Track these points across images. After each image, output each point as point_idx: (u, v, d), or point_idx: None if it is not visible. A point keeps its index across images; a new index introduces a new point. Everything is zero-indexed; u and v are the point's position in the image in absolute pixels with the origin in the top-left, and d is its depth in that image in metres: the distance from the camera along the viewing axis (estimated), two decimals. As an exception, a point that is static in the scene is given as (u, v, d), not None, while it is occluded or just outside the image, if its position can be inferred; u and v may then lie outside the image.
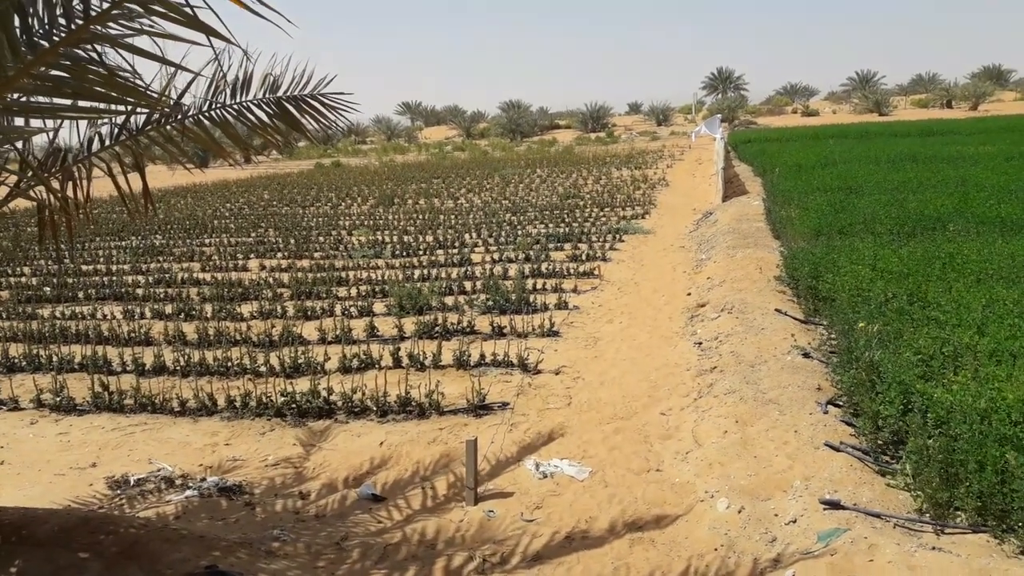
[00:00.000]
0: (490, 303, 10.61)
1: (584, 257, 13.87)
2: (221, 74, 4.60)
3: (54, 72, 3.54)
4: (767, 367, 6.95)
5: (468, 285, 12.00)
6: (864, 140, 27.87)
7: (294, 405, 7.26)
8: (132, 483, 6.10)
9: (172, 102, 4.47)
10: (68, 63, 3.56)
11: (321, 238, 17.64)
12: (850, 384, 5.77)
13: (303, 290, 12.03)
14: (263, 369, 8.35)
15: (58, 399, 7.74)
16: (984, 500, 4.21)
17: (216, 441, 6.92)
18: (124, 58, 3.71)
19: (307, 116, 4.94)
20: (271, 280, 13.08)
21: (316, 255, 15.64)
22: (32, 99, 3.86)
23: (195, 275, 13.99)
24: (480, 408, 7.15)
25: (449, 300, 11.09)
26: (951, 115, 50.13)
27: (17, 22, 3.32)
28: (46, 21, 3.49)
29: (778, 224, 13.31)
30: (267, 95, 4.85)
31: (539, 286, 11.65)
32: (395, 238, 17.00)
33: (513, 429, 6.76)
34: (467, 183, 28.37)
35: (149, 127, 4.62)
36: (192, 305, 11.52)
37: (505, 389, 7.69)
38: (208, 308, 11.38)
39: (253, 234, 18.81)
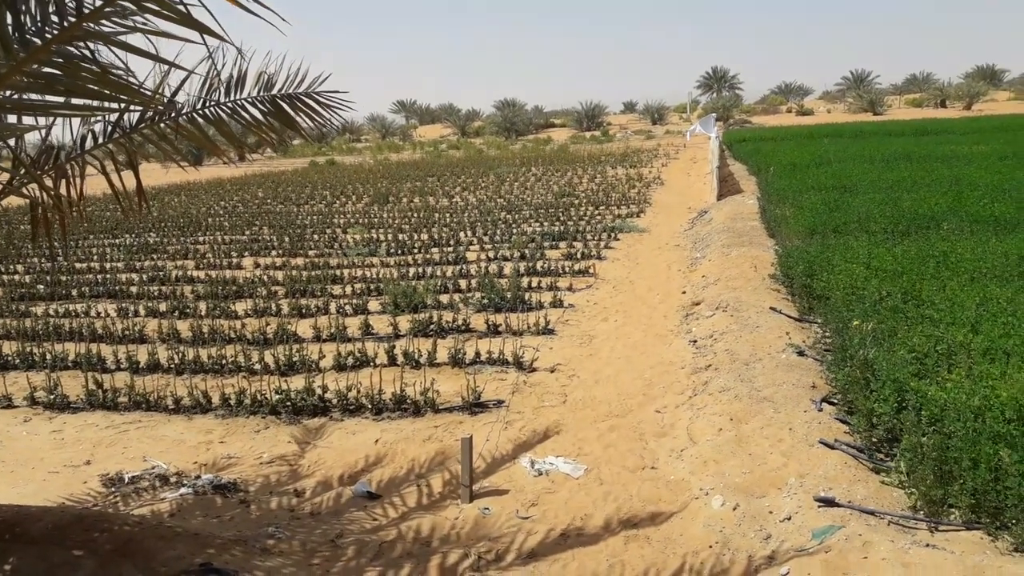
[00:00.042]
0: (485, 301, 10.61)
1: (579, 255, 13.87)
2: (215, 72, 4.59)
3: (47, 69, 3.53)
4: (762, 365, 6.97)
5: (463, 283, 11.99)
6: (858, 139, 27.93)
7: (289, 403, 7.25)
8: (126, 481, 6.08)
9: (166, 100, 4.45)
10: (61, 60, 3.55)
11: (316, 236, 17.61)
12: (844, 382, 5.79)
13: (298, 288, 12.01)
14: (258, 367, 8.34)
15: (52, 397, 7.71)
16: (978, 497, 4.23)
17: (211, 439, 6.91)
18: (117, 56, 3.70)
19: (302, 114, 4.93)
20: (265, 278, 13.05)
21: (311, 253, 15.62)
22: (25, 96, 3.84)
23: (189, 273, 13.95)
24: (475, 406, 7.15)
25: (444, 298, 11.09)
26: (945, 115, 50.25)
27: (9, 19, 3.31)
28: (38, 18, 3.48)
29: (773, 223, 13.33)
30: (262, 93, 4.84)
31: (534, 284, 11.65)
32: (390, 236, 16.99)
33: (508, 427, 6.76)
34: (462, 181, 28.35)
35: (143, 125, 4.61)
36: (186, 303, 11.50)
37: (500, 387, 7.69)
38: (202, 306, 11.36)
39: (247, 232, 18.77)
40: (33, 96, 3.86)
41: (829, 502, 4.64)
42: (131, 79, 3.81)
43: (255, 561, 4.54)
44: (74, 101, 3.82)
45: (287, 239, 17.06)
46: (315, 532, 5.19)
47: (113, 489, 5.98)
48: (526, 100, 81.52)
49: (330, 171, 37.34)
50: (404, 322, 9.75)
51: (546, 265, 12.92)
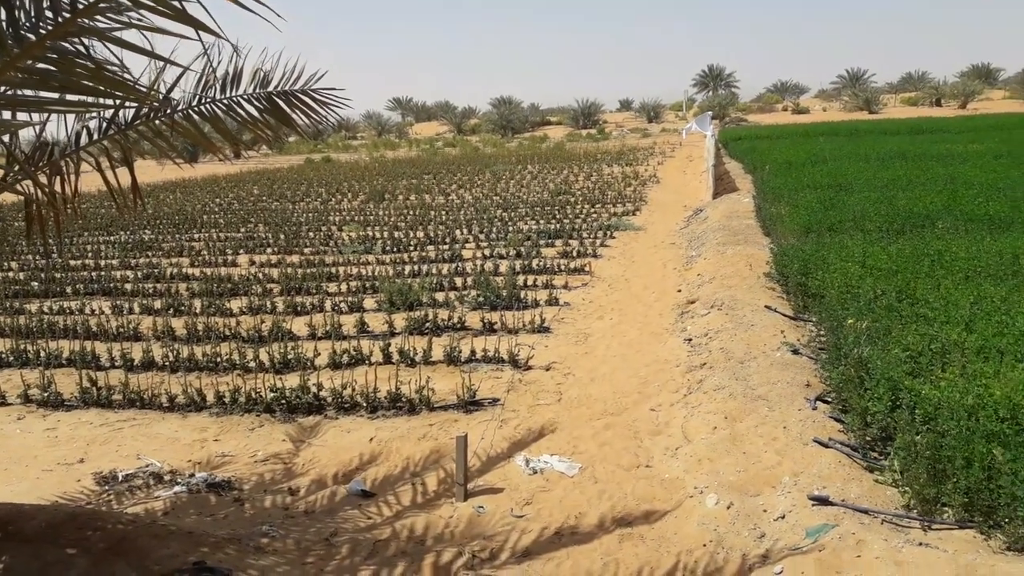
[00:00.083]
0: (481, 299, 10.61)
1: (575, 253, 13.88)
2: (211, 69, 4.57)
3: (41, 65, 3.51)
4: (756, 363, 6.98)
5: (459, 281, 11.99)
6: (854, 138, 27.99)
7: (283, 401, 7.24)
8: (120, 479, 6.07)
9: (161, 97, 4.43)
10: (55, 56, 3.54)
11: (311, 233, 17.58)
12: (839, 380, 5.80)
13: (293, 286, 11.98)
14: (252, 365, 8.32)
15: (46, 394, 7.69)
16: (971, 496, 4.24)
17: (205, 437, 6.89)
18: (112, 52, 3.69)
19: (297, 111, 4.92)
20: (261, 276, 13.03)
21: (306, 251, 15.59)
22: (19, 92, 3.82)
23: (184, 270, 13.92)
24: (470, 404, 7.15)
25: (440, 296, 11.08)
26: (940, 113, 50.40)
27: (3, 15, 3.30)
28: (32, 14, 3.46)
29: (768, 221, 13.36)
30: (257, 90, 4.82)
31: (530, 282, 11.65)
32: (385, 234, 16.97)
33: (503, 425, 6.76)
34: (458, 179, 28.33)
35: (138, 121, 4.59)
36: (181, 300, 11.47)
37: (496, 385, 7.69)
38: (197, 303, 11.33)
39: (243, 229, 18.74)
40: (27, 92, 3.84)
41: (823, 501, 4.65)
42: (126, 75, 3.80)
43: (249, 560, 4.53)
44: (69, 97, 3.80)
45: (283, 236, 17.03)
46: (309, 531, 5.19)
47: (107, 487, 5.96)
48: (522, 98, 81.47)
49: (326, 168, 37.30)
50: (400, 320, 9.75)
51: (542, 263, 12.92)
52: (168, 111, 4.60)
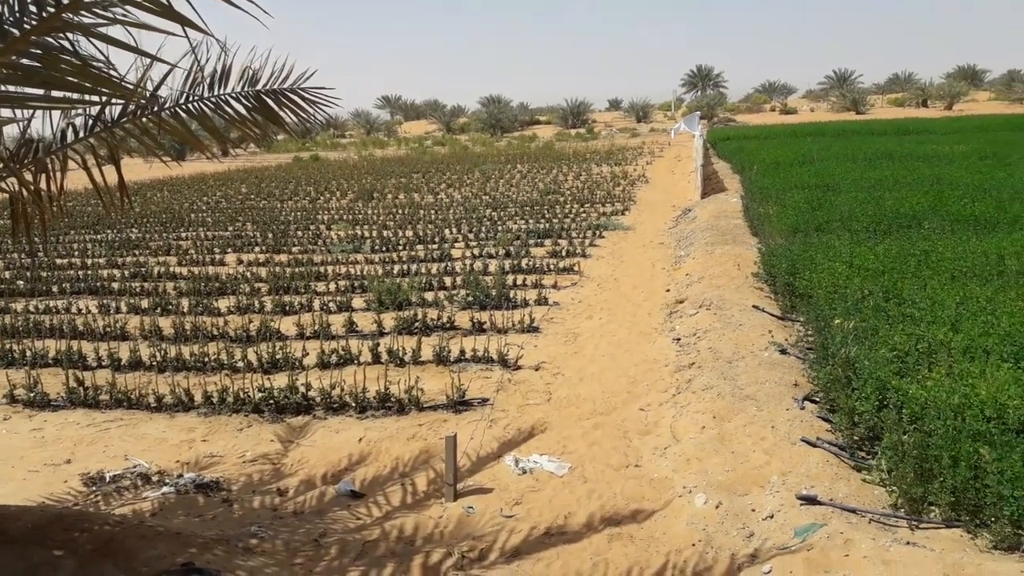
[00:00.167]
0: (470, 299, 10.60)
1: (564, 253, 13.88)
2: (198, 67, 4.54)
3: (25, 61, 3.48)
4: (744, 363, 7.00)
5: (448, 280, 11.97)
6: (841, 138, 28.13)
7: (272, 401, 7.20)
8: (107, 480, 6.02)
9: (148, 94, 4.40)
10: (40, 52, 3.50)
11: (299, 232, 17.52)
12: (826, 380, 5.83)
13: (281, 285, 11.93)
14: (240, 364, 8.28)
15: (32, 394, 7.62)
16: (958, 495, 4.27)
17: (193, 437, 6.85)
18: (98, 48, 3.66)
19: (286, 110, 4.90)
20: (249, 275, 12.97)
21: (294, 250, 15.53)
22: (3, 88, 3.78)
23: (172, 269, 13.84)
24: (460, 404, 7.14)
25: (429, 296, 11.06)
26: (926, 114, 50.73)
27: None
28: (16, 8, 3.42)
29: (756, 221, 13.41)
30: (246, 88, 4.79)
31: (519, 282, 11.64)
32: (374, 233, 16.93)
33: (493, 425, 6.75)
34: (447, 178, 28.29)
35: (124, 119, 4.55)
36: (168, 299, 11.40)
37: (485, 385, 7.68)
38: (185, 303, 11.26)
39: (230, 228, 18.65)
40: (11, 88, 3.80)
41: (811, 500, 4.67)
42: (112, 72, 3.77)
43: (237, 560, 4.51)
44: (54, 94, 3.76)
45: (271, 235, 16.95)
46: (298, 531, 5.17)
47: (94, 488, 5.92)
48: (512, 97, 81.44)
49: (314, 167, 37.17)
50: (388, 319, 9.72)
51: (531, 263, 12.92)
52: (155, 109, 4.57)
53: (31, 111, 4.10)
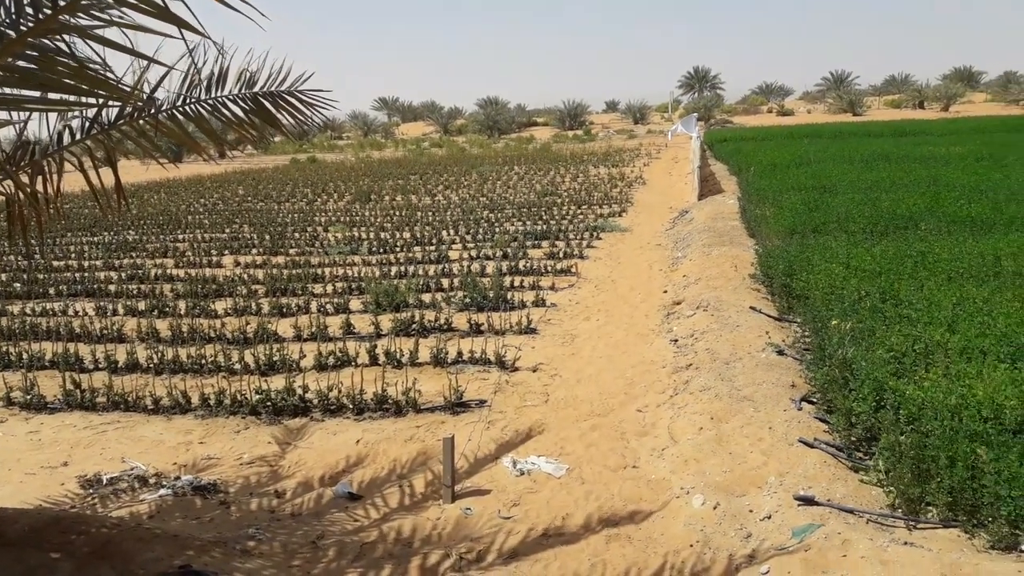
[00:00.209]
0: (467, 300, 10.60)
1: (561, 255, 13.89)
2: (195, 69, 4.54)
3: (21, 63, 3.48)
4: (742, 364, 7.01)
5: (445, 282, 11.97)
6: (838, 140, 28.16)
7: (269, 403, 7.20)
8: (105, 482, 6.01)
9: (145, 96, 4.40)
10: (36, 54, 3.50)
11: (297, 234, 17.50)
12: (824, 381, 5.83)
13: (278, 287, 11.92)
14: (238, 367, 8.27)
15: (28, 397, 7.61)
16: (955, 495, 4.28)
17: (190, 439, 6.84)
18: (95, 50, 3.65)
19: (283, 112, 4.90)
20: (246, 277, 12.95)
21: (291, 251, 15.52)
22: (-1, 91, 3.78)
23: (169, 271, 13.82)
24: (457, 406, 7.14)
25: (426, 297, 11.06)
26: (923, 116, 50.81)
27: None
28: (12, 10, 3.42)
29: (753, 222, 13.42)
30: (243, 90, 4.80)
31: (516, 283, 11.64)
32: (372, 235, 16.92)
33: (490, 427, 6.75)
34: (444, 180, 28.29)
35: (121, 121, 4.55)
36: (165, 302, 11.38)
37: (482, 387, 7.68)
38: (182, 305, 11.25)
39: (228, 230, 18.63)
40: (7, 90, 3.80)
41: (809, 501, 4.67)
42: (109, 74, 3.76)
43: (235, 563, 4.50)
44: (50, 96, 3.76)
45: (268, 237, 16.94)
46: (296, 533, 5.16)
47: (91, 491, 5.91)
48: (509, 98, 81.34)
49: (311, 169, 37.14)
50: (386, 321, 9.72)
51: (528, 264, 12.92)
52: (152, 111, 4.57)
53: (28, 113, 4.10)
